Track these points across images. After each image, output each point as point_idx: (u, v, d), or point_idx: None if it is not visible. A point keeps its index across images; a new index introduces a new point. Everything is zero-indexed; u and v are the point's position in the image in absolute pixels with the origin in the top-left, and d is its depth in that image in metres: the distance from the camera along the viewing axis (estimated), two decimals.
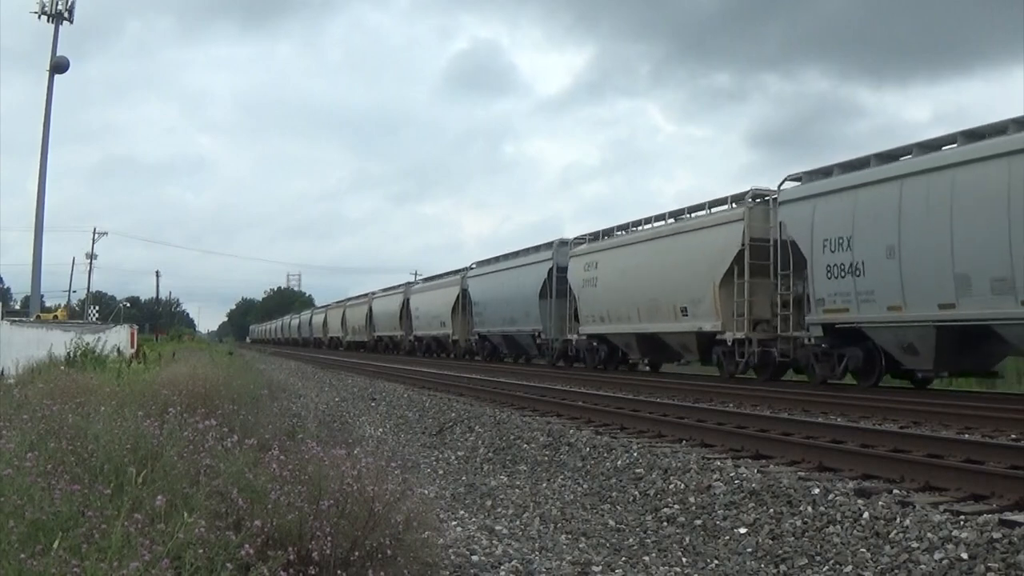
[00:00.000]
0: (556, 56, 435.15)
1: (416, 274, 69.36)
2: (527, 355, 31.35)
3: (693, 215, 20.17)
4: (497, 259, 32.56)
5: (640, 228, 22.57)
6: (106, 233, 73.51)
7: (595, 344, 24.20)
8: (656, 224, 21.48)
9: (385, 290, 50.48)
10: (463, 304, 34.97)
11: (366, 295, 53.77)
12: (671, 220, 20.84)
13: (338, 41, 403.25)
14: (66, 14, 33.23)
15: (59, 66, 31.76)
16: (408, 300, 42.57)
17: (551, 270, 26.46)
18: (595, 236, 24.80)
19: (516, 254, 30.65)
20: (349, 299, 59.37)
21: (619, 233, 23.54)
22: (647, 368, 24.25)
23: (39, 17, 33.16)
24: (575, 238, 26.29)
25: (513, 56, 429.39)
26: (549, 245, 27.57)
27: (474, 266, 34.88)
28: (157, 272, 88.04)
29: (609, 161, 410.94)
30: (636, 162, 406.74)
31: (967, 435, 8.77)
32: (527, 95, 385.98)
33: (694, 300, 18.86)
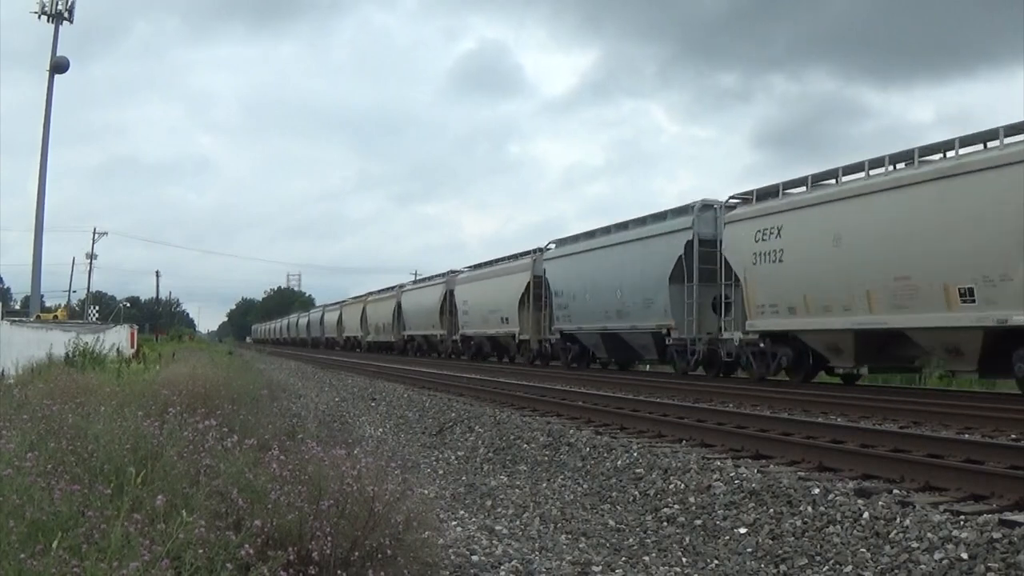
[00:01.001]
0: (563, 57, 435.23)
1: (416, 274, 68.83)
2: (638, 359, 24.57)
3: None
4: (592, 234, 24.82)
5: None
6: (106, 233, 73.47)
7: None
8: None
9: (418, 282, 45.08)
10: (537, 295, 27.71)
11: (391, 288, 47.81)
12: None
13: (345, 42, 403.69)
14: (66, 14, 33.24)
15: (59, 66, 31.78)
16: (451, 292, 36.01)
17: (689, 243, 19.42)
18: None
19: (623, 225, 23.01)
20: (370, 293, 53.44)
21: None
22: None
23: (39, 17, 33.18)
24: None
25: (519, 57, 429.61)
26: (686, 209, 20.20)
27: (552, 246, 27.49)
28: (157, 272, 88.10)
29: (613, 161, 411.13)
30: (640, 162, 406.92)
31: (967, 435, 8.77)
32: (533, 96, 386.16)
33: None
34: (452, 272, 37.55)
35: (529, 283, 28.02)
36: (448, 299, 36.26)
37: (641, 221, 21.99)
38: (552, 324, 26.16)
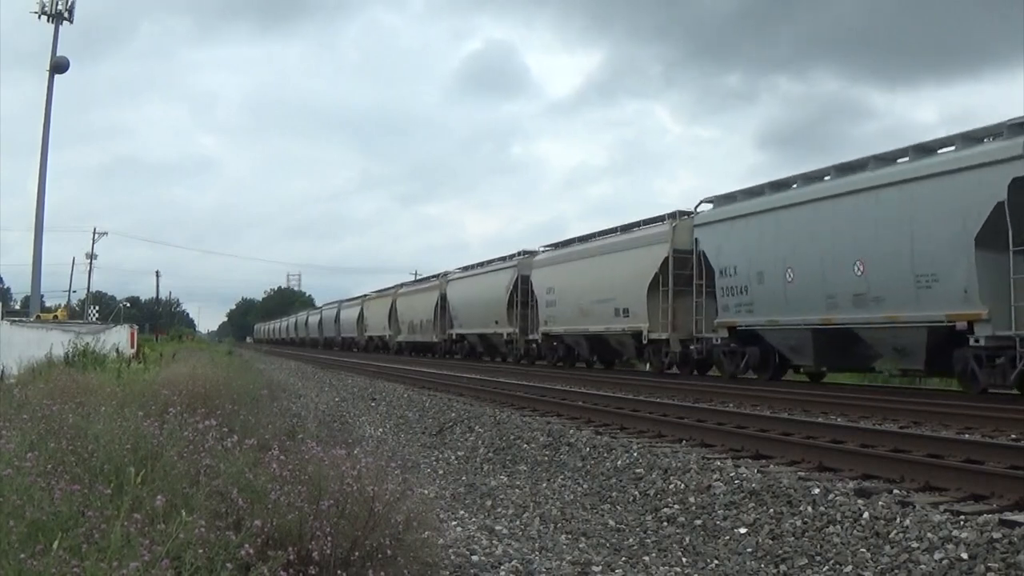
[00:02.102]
0: (569, 58, 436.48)
1: (416, 274, 68.37)
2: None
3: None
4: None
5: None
6: (106, 233, 73.46)
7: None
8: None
9: (470, 268, 35.66)
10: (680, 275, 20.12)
11: (432, 278, 40.69)
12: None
13: (351, 43, 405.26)
14: (66, 14, 33.23)
15: (59, 66, 31.77)
16: (525, 279, 28.01)
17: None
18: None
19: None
20: (401, 285, 47.13)
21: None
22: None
23: (39, 17, 33.17)
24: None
25: (525, 58, 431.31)
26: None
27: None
28: (157, 272, 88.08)
29: (617, 162, 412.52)
30: (644, 163, 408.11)
31: (967, 435, 8.77)
32: (538, 97, 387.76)
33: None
34: (525, 253, 29.72)
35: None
36: (519, 287, 28.78)
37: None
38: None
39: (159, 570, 2.87)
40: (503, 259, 31.57)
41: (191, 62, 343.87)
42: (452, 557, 5.20)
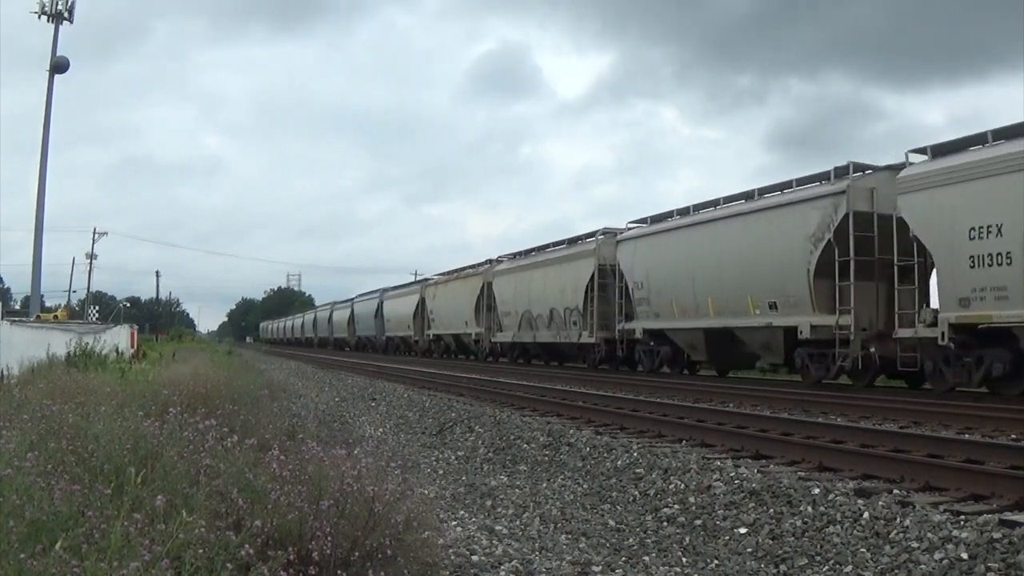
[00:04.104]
0: (582, 60, 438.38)
1: (416, 274, 67.95)
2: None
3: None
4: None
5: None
6: (106, 233, 73.34)
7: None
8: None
9: (522, 255, 29.81)
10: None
11: (472, 267, 34.45)
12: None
13: (364, 44, 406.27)
14: (66, 14, 33.17)
15: (59, 66, 31.71)
16: (610, 269, 22.90)
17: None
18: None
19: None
20: (431, 277, 40.64)
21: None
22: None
23: (39, 17, 33.12)
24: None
25: (538, 59, 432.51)
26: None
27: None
28: (157, 272, 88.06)
29: (626, 162, 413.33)
30: (652, 164, 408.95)
31: (967, 435, 8.77)
32: (548, 98, 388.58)
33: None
34: (608, 232, 23.84)
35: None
36: (598, 278, 23.24)
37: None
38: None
39: (159, 570, 2.87)
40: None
41: (204, 63, 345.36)
42: (452, 557, 5.20)
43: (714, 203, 19.52)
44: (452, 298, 35.16)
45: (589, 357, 24.68)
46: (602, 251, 23.76)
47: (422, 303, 39.07)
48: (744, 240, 17.74)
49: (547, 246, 28.52)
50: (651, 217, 22.18)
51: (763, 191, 18.12)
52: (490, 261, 32.92)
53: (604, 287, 23.39)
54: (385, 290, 48.77)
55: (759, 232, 17.32)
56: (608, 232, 24.14)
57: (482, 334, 31.85)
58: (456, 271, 36.76)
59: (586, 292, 23.87)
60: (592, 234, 25.12)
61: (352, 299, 57.28)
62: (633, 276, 21.76)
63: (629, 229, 23.17)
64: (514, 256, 31.21)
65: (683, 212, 20.81)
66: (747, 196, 18.58)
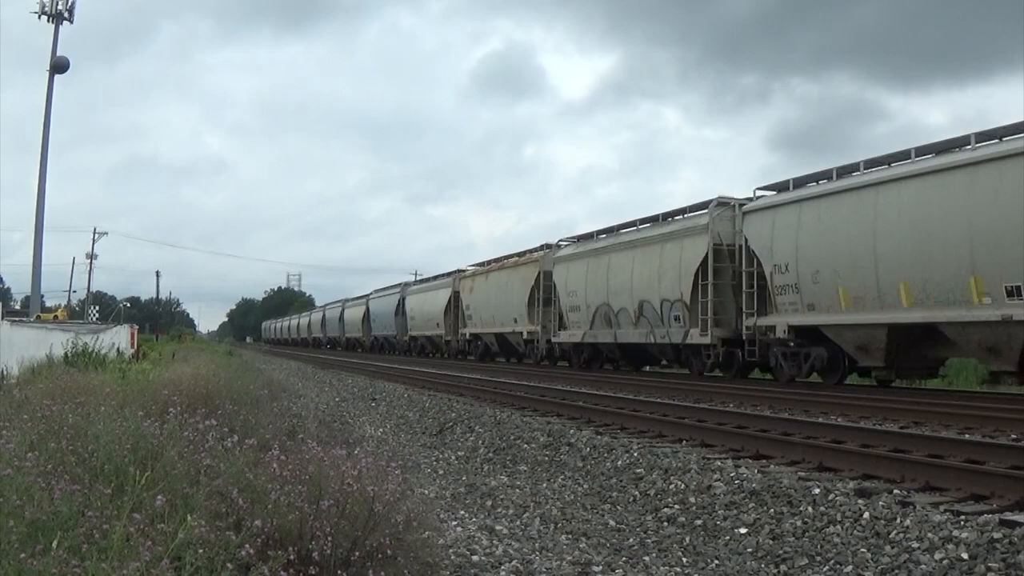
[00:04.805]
0: (586, 60, 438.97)
1: (416, 274, 67.31)
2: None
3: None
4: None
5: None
6: (106, 233, 73.46)
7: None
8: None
9: (594, 237, 25.06)
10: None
11: (519, 255, 30.59)
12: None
13: (370, 45, 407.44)
14: (66, 14, 33.16)
15: (59, 66, 31.68)
16: (727, 251, 18.89)
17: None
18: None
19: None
20: (466, 268, 36.16)
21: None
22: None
23: (39, 18, 33.11)
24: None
25: (543, 60, 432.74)
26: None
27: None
28: (157, 272, 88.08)
29: (628, 162, 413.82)
30: (655, 165, 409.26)
31: (967, 435, 8.77)
32: (552, 99, 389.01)
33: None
34: (725, 202, 19.40)
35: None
36: (713, 261, 18.85)
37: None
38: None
39: (159, 570, 2.87)
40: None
41: (209, 63, 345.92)
42: (452, 557, 5.20)
43: (903, 155, 14.57)
44: (496, 291, 30.80)
45: (697, 361, 19.74)
46: (717, 227, 18.68)
47: (455, 298, 34.80)
48: (972, 200, 12.67)
49: (630, 224, 23.37)
50: (794, 180, 17.17)
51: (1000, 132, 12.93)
52: (548, 246, 28.58)
53: (720, 273, 18.66)
54: (407, 284, 44.46)
55: (999, 187, 12.32)
56: (725, 202, 19.10)
57: (537, 333, 27.69)
58: (501, 259, 32.36)
59: (695, 279, 19.00)
60: (703, 205, 19.86)
61: (368, 295, 52.08)
62: (772, 256, 16.97)
63: (758, 198, 18.26)
64: (578, 239, 26.53)
65: (845, 171, 15.83)
66: (959, 144, 13.54)
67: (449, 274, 37.91)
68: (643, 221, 22.71)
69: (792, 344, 16.74)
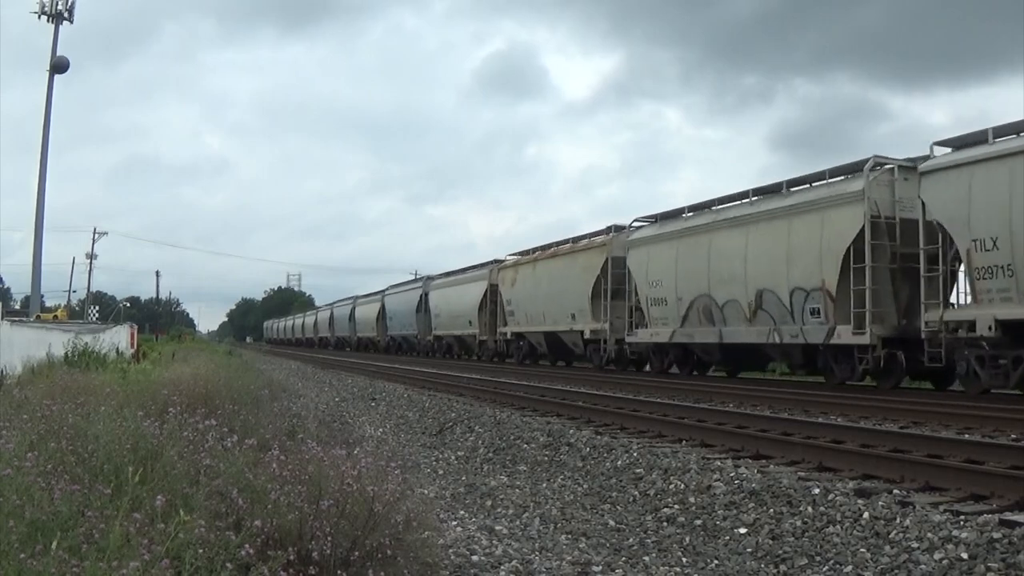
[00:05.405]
0: (588, 61, 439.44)
1: (416, 274, 66.87)
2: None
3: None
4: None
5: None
6: (106, 233, 73.42)
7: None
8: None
9: (680, 215, 20.55)
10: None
11: (576, 240, 26.08)
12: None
13: (372, 45, 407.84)
14: (66, 14, 33.17)
15: (58, 66, 31.68)
16: (885, 225, 14.66)
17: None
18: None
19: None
20: (505, 258, 31.77)
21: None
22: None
23: (39, 17, 33.11)
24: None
25: (545, 60, 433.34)
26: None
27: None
28: (157, 272, 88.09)
29: (629, 162, 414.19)
30: (656, 164, 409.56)
31: (967, 435, 8.77)
32: (554, 98, 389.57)
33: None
34: (882, 163, 15.44)
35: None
36: (870, 238, 14.74)
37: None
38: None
39: (159, 570, 2.87)
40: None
41: (211, 64, 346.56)
42: (452, 557, 5.20)
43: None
44: (547, 283, 26.34)
45: (844, 367, 15.24)
46: (875, 193, 14.54)
47: (491, 292, 30.67)
48: None
49: (735, 197, 18.65)
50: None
51: None
52: (617, 228, 23.37)
53: (878, 253, 14.47)
54: (431, 278, 39.50)
55: None
56: (882, 162, 14.96)
57: (603, 332, 23.22)
58: (551, 245, 27.54)
59: (844, 262, 14.79)
60: (852, 167, 15.50)
61: (383, 291, 47.17)
62: (970, 230, 12.73)
63: (930, 157, 13.86)
64: (657, 220, 21.57)
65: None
66: None
67: (484, 265, 33.18)
68: (756, 192, 18.01)
69: (991, 346, 12.59)
